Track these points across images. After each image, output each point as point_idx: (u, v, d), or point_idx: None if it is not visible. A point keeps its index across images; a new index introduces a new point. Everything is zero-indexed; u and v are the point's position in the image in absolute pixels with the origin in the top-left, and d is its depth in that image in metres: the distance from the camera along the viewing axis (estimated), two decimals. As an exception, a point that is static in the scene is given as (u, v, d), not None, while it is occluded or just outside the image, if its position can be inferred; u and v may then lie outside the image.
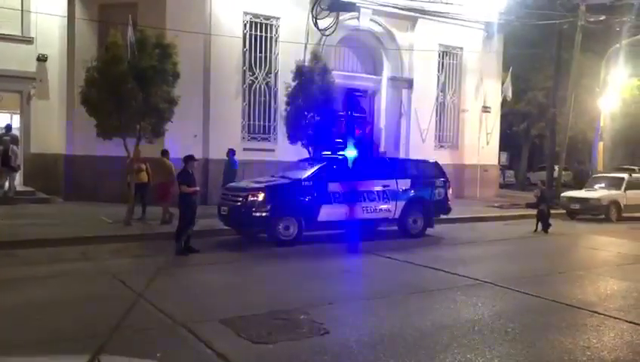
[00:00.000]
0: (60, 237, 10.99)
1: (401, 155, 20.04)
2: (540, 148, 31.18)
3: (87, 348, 5.21)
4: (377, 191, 12.29)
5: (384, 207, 12.40)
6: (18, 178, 16.85)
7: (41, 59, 17.66)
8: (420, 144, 20.86)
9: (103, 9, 16.79)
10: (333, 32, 17.15)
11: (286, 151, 17.66)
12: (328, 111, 14.80)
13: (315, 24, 17.18)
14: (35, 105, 17.87)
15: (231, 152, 15.27)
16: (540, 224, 14.46)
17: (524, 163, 30.36)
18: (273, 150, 17.99)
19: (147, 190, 13.61)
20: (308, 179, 11.65)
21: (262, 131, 18.08)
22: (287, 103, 15.26)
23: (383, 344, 5.69)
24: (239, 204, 11.22)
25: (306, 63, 15.76)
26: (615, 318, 6.73)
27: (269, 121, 18.09)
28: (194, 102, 16.21)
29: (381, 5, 18.70)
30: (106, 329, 5.83)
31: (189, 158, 10.38)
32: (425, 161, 14.03)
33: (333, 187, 11.76)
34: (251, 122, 17.88)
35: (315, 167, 11.98)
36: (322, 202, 11.61)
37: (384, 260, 10.27)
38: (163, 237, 11.75)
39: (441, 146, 21.79)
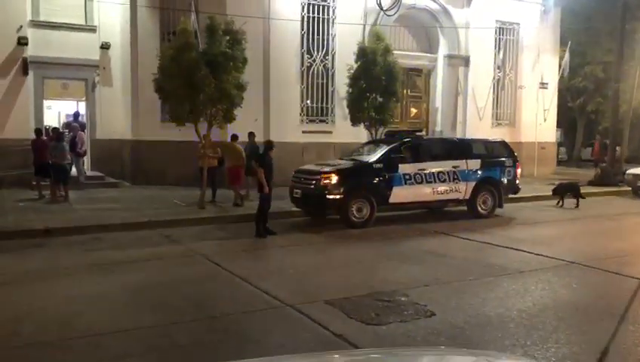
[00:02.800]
0: (141, 221, 11.37)
1: (458, 134, 19.87)
2: (595, 124, 30.38)
3: (210, 330, 5.49)
4: (448, 171, 12.27)
5: (454, 187, 12.38)
6: (86, 163, 17.43)
7: (105, 46, 18.09)
8: (477, 122, 20.64)
9: (163, -5, 17.05)
10: (397, 11, 17.00)
11: (344, 132, 17.77)
12: (391, 92, 14.76)
13: (379, 4, 17.04)
14: (99, 93, 18.37)
15: (252, 135, 14.41)
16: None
17: (579, 139, 29.67)
18: (331, 132, 18.09)
19: (217, 174, 13.93)
20: (379, 160, 11.71)
21: (320, 113, 18.17)
22: (349, 85, 15.27)
23: (492, 325, 5.77)
24: (312, 186, 11.38)
25: (361, 44, 15.73)
26: None
27: (327, 103, 18.16)
28: (254, 87, 16.25)
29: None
30: (219, 310, 6.09)
31: (270, 143, 10.58)
32: (494, 141, 13.92)
33: (404, 168, 11.79)
34: (309, 105, 17.98)
35: (385, 149, 12.01)
36: (393, 184, 11.68)
37: (462, 241, 10.31)
38: (237, 220, 12.08)
39: (499, 124, 21.49)
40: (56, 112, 20.23)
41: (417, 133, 12.97)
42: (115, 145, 18.24)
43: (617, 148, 20.75)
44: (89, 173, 17.32)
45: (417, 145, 12.35)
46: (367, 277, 7.63)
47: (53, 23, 17.28)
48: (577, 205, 14.62)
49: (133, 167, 17.53)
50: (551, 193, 15.20)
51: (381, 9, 17.14)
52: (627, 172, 18.14)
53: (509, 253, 9.26)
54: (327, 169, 11.55)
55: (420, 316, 6.02)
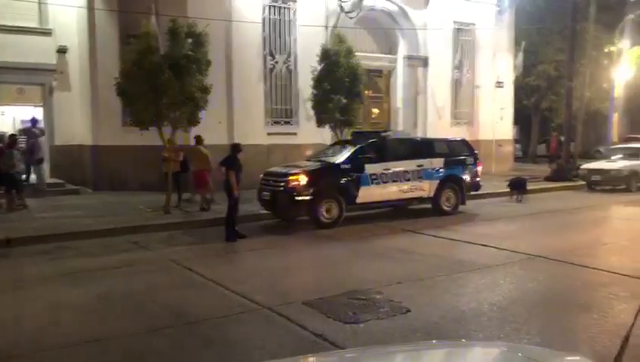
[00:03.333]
0: (107, 228, 11.18)
1: (419, 134, 20.23)
2: (549, 121, 31.35)
3: (189, 335, 5.48)
4: (412, 170, 12.51)
5: (419, 186, 12.63)
6: (46, 170, 17.00)
7: (61, 50, 17.67)
8: (437, 121, 21.06)
9: (122, -2, 16.77)
10: (358, 13, 17.18)
11: (308, 134, 17.90)
12: (355, 93, 14.93)
13: (341, 6, 17.20)
14: (57, 98, 17.94)
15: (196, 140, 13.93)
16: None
17: (534, 136, 30.58)
18: (296, 133, 18.16)
19: (182, 178, 13.82)
20: (346, 161, 11.84)
21: (284, 115, 18.21)
22: (314, 87, 15.37)
23: (465, 319, 5.95)
24: (281, 188, 11.42)
25: (324, 46, 15.87)
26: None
27: (291, 105, 18.23)
28: (217, 89, 16.15)
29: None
30: (196, 316, 6.07)
31: (238, 146, 10.57)
32: (455, 140, 14.24)
33: (370, 168, 11.96)
34: (273, 106, 18.00)
35: (352, 150, 12.15)
36: (361, 184, 11.83)
37: (429, 238, 10.53)
38: (204, 224, 12.01)
39: (457, 123, 21.97)
40: (11, 118, 19.65)
41: (384, 134, 13.15)
42: (74, 151, 17.85)
43: (572, 143, 21.49)
44: (48, 180, 16.88)
45: (383, 146, 12.54)
46: (341, 277, 7.73)
47: (5, 26, 16.76)
48: (521, 200, 15.30)
49: (95, 173, 17.18)
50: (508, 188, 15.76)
51: (342, 11, 17.31)
52: (582, 167, 18.84)
53: (475, 249, 9.52)
54: (295, 170, 11.61)
55: (395, 313, 6.14)
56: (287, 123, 18.23)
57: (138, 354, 5.12)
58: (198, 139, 13.53)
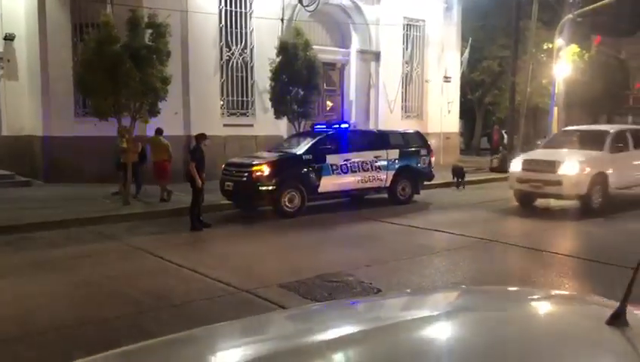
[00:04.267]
0: (69, 218, 11.09)
1: (371, 126, 20.79)
2: (491, 115, 32.68)
3: (176, 316, 5.71)
4: (370, 161, 12.98)
5: (376, 176, 13.12)
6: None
7: (8, 38, 17.15)
8: (389, 114, 21.67)
9: (74, -14, 16.44)
10: (316, 7, 17.47)
11: (265, 125, 18.11)
12: (312, 86, 15.27)
13: (301, 1, 17.44)
14: (3, 87, 17.42)
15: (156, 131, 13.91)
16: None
17: (478, 129, 31.81)
18: (252, 125, 18.33)
19: (139, 169, 13.79)
20: (307, 152, 12.18)
21: (240, 107, 18.34)
22: (272, 79, 15.60)
23: (432, 297, 6.43)
24: (245, 178, 11.65)
25: (282, 39, 16.12)
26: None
27: (247, 97, 18.37)
28: (173, 80, 15.87)
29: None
30: (179, 299, 6.30)
31: (201, 136, 10.71)
32: (409, 132, 14.80)
33: (331, 159, 12.35)
34: (230, 98, 18.10)
35: (313, 141, 12.50)
36: (322, 174, 12.20)
37: (389, 225, 11.03)
38: (166, 215, 12.10)
39: (408, 116, 22.67)
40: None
41: (343, 125, 13.56)
42: (22, 142, 17.40)
43: (514, 136, 22.58)
44: (-4, 171, 16.43)
45: (342, 137, 12.94)
46: (311, 261, 8.08)
47: (-52, 11, 16.16)
48: (460, 187, 16.66)
49: (47, 164, 16.81)
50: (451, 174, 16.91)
51: (301, 4, 17.56)
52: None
53: (433, 234, 10.09)
54: (258, 161, 11.86)
55: (368, 293, 6.55)
56: (243, 114, 18.37)
57: (131, 335, 5.30)
58: (158, 130, 13.53)
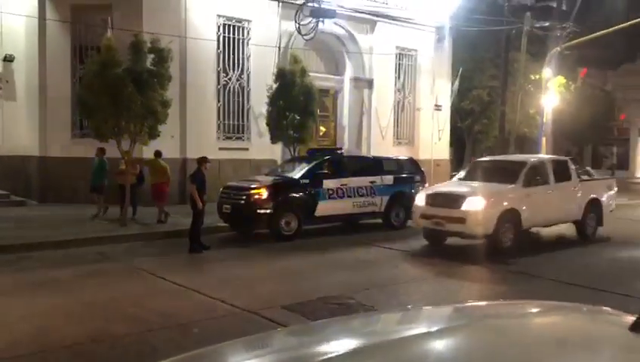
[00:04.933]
0: (67, 239, 11.16)
1: (363, 152, 21.10)
2: (480, 143, 33.22)
3: (185, 336, 5.83)
4: (366, 187, 13.22)
5: (372, 201, 13.35)
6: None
7: (8, 59, 17.35)
8: (380, 141, 22.02)
9: (75, 10, 16.70)
10: (314, 36, 17.88)
11: (260, 149, 18.36)
12: (308, 112, 15.58)
13: (299, 30, 17.86)
14: (1, 107, 17.53)
15: (100, 151, 14.04)
16: None
17: (467, 157, 32.28)
18: (247, 148, 18.56)
19: (136, 191, 13.91)
20: (305, 176, 12.40)
21: (236, 131, 18.58)
22: (269, 104, 15.89)
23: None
24: (243, 201, 11.82)
25: (280, 65, 16.48)
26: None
27: (243, 121, 18.62)
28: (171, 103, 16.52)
29: (349, 10, 19.63)
30: (186, 319, 6.43)
31: (203, 160, 10.91)
32: (404, 159, 15.13)
33: (328, 184, 12.57)
34: (226, 122, 18.34)
35: (310, 165, 12.74)
36: (319, 198, 12.41)
37: (385, 250, 11.23)
38: (164, 236, 12.22)
39: (399, 143, 23.04)
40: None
41: (338, 151, 13.83)
42: (17, 162, 17.46)
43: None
44: (-10, 191, 16.45)
45: (339, 162, 13.20)
46: (312, 284, 8.24)
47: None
48: None
49: (42, 184, 16.85)
50: None
51: (299, 33, 17.96)
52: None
53: (428, 261, 10.30)
54: (256, 185, 12.05)
55: (370, 315, 6.72)
56: (239, 138, 18.61)
57: (142, 351, 5.43)
58: (157, 153, 13.71)
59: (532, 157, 12.70)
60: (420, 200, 11.45)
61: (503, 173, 11.50)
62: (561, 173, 11.96)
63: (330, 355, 1.71)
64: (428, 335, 1.87)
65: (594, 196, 12.60)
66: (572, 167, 12.55)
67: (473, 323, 2.06)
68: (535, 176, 11.34)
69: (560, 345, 1.67)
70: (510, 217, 10.57)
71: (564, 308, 2.16)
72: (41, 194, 16.82)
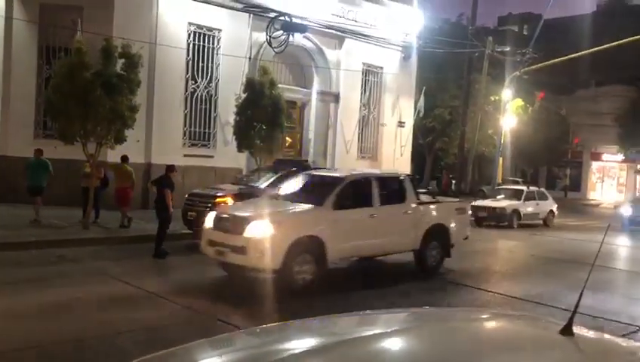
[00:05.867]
0: (28, 241, 11.08)
1: (328, 165, 21.45)
2: (440, 160, 34.14)
3: (152, 338, 5.97)
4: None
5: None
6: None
7: (-29, 56, 17.00)
8: (345, 154, 22.46)
9: (44, 9, 16.56)
10: (283, 49, 18.18)
11: (225, 158, 18.51)
12: (277, 123, 15.83)
13: (270, 43, 18.14)
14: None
15: (39, 152, 13.81)
16: None
17: (428, 173, 33.10)
18: (212, 156, 18.67)
19: (100, 195, 13.86)
20: (270, 186, 12.60)
21: (202, 138, 18.68)
22: (237, 114, 16.08)
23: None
24: (208, 209, 11.91)
25: (249, 76, 16.71)
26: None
27: (209, 129, 18.74)
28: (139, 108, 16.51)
29: (319, 25, 20.01)
30: (152, 322, 6.56)
31: (171, 168, 11.04)
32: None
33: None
34: (192, 129, 18.42)
35: (275, 176, 12.96)
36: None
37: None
38: (127, 241, 12.23)
39: (363, 157, 23.52)
40: None
41: (305, 163, 14.10)
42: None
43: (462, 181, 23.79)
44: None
45: (300, 173, 13.41)
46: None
47: None
48: None
49: (1, 184, 16.54)
50: None
51: (270, 46, 18.25)
52: (471, 204, 20.89)
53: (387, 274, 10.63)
54: (222, 193, 12.20)
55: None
56: (204, 146, 18.71)
57: (109, 354, 5.55)
58: (124, 158, 13.72)
59: (353, 173, 10.42)
60: (208, 221, 9.04)
61: (315, 191, 9.46)
62: (392, 194, 9.98)
63: (290, 352, 1.88)
64: (382, 335, 2.06)
65: (438, 222, 10.45)
66: (409, 186, 10.31)
67: (423, 324, 2.28)
68: (353, 195, 9.27)
69: (500, 346, 1.97)
70: (309, 247, 8.39)
71: (506, 314, 2.48)
72: (0, 194, 16.49)
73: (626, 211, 21.35)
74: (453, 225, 10.76)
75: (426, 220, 10.30)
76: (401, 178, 10.72)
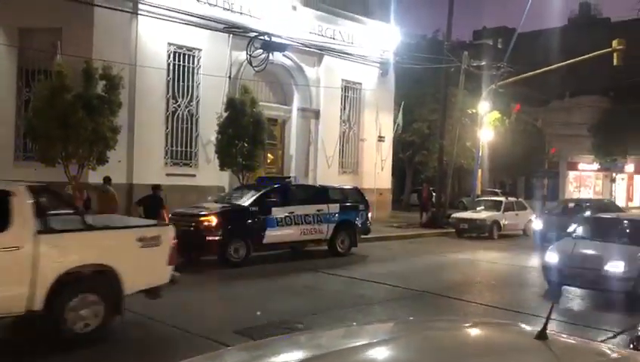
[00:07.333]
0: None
1: (310, 181, 21.59)
2: (420, 173, 34.46)
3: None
4: (313, 215, 13.67)
5: (318, 228, 13.80)
6: None
7: (-51, 79, 16.90)
8: (326, 170, 22.64)
9: (23, 33, 16.56)
10: (264, 68, 18.38)
11: (207, 176, 18.54)
12: (258, 141, 15.97)
13: (250, 62, 18.33)
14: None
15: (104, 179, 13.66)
16: None
17: (408, 187, 33.41)
18: (195, 175, 18.69)
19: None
20: (254, 204, 12.73)
21: (184, 157, 18.71)
22: (218, 132, 16.18)
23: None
24: (192, 228, 11.99)
25: (230, 95, 16.86)
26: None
27: (191, 148, 18.79)
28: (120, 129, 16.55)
29: (298, 43, 20.26)
30: (139, 345, 6.60)
31: (158, 187, 11.12)
32: (349, 188, 15.73)
33: (276, 212, 12.94)
34: (174, 148, 18.46)
35: (259, 193, 13.08)
36: (267, 225, 12.74)
37: (330, 276, 11.65)
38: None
39: (344, 172, 23.72)
40: None
41: (287, 180, 14.25)
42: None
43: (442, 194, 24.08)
44: None
45: (287, 190, 13.61)
46: (261, 310, 8.51)
47: None
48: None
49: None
50: None
51: (250, 65, 18.44)
52: (452, 216, 21.22)
53: (372, 286, 10.79)
54: (205, 211, 12.27)
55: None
56: (186, 165, 18.74)
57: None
58: (106, 178, 13.72)
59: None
60: None
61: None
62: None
63: None
64: (367, 345, 2.17)
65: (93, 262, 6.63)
66: (23, 205, 6.24)
67: (408, 334, 2.43)
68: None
69: (481, 352, 2.13)
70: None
71: (486, 322, 2.64)
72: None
73: (537, 225, 19.16)
74: (127, 267, 6.84)
75: (54, 264, 6.20)
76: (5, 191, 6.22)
